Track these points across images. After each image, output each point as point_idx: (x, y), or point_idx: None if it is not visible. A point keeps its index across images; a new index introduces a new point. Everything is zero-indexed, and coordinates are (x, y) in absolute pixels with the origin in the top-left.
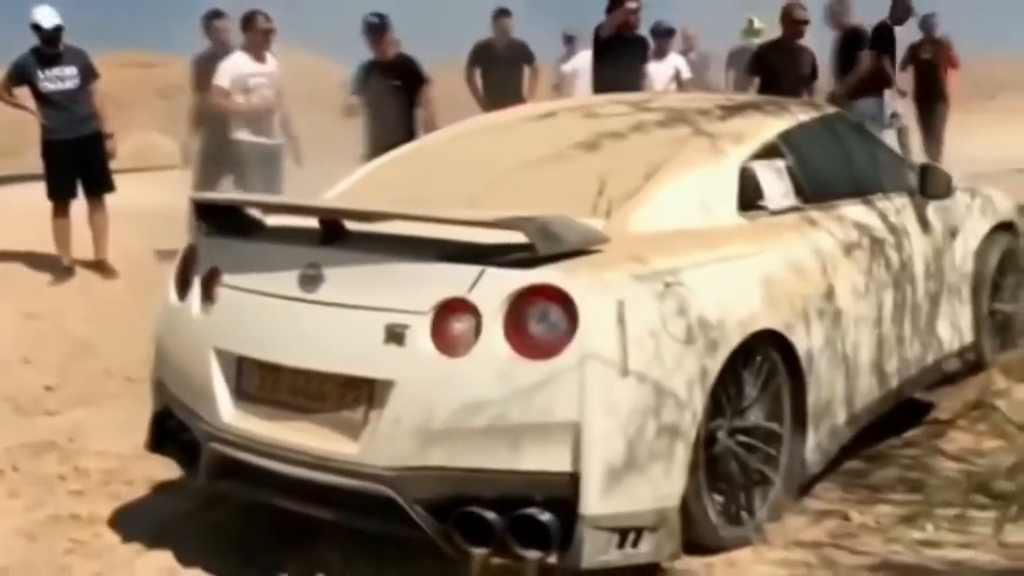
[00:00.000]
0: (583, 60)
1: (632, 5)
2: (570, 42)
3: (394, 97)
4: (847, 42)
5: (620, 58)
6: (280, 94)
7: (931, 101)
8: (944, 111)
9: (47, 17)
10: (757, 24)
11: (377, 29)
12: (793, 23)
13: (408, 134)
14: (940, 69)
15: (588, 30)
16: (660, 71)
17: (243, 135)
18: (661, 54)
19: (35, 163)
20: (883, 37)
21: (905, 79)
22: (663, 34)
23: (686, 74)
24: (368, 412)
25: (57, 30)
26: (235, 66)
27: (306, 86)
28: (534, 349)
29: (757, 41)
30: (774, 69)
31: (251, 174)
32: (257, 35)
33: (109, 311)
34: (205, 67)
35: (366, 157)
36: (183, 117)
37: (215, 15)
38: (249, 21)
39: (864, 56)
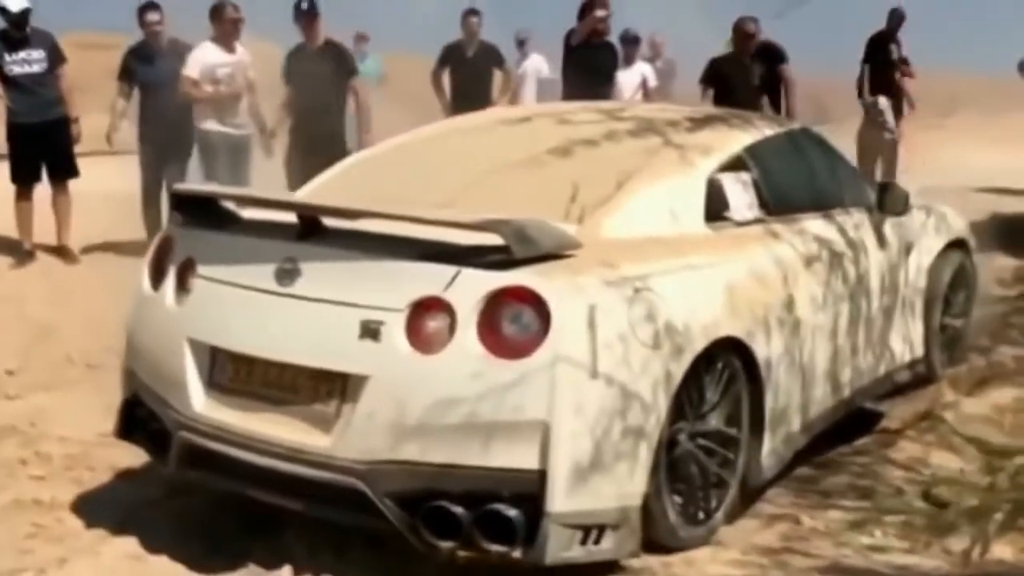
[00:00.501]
0: (533, 64)
1: (601, 13)
2: (522, 45)
3: (322, 86)
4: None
5: (589, 65)
6: (250, 84)
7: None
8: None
9: (14, 1)
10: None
11: (307, 14)
12: (744, 36)
13: (336, 125)
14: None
15: (539, 33)
16: (627, 79)
17: (210, 124)
18: (628, 61)
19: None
20: (878, 46)
21: None
22: (630, 42)
23: (652, 82)
24: (341, 406)
25: (24, 13)
26: (204, 55)
27: (274, 76)
28: (507, 349)
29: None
30: (728, 81)
31: (218, 163)
32: (226, 24)
33: (71, 296)
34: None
35: (291, 148)
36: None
37: (146, 7)
38: (217, 11)
39: None
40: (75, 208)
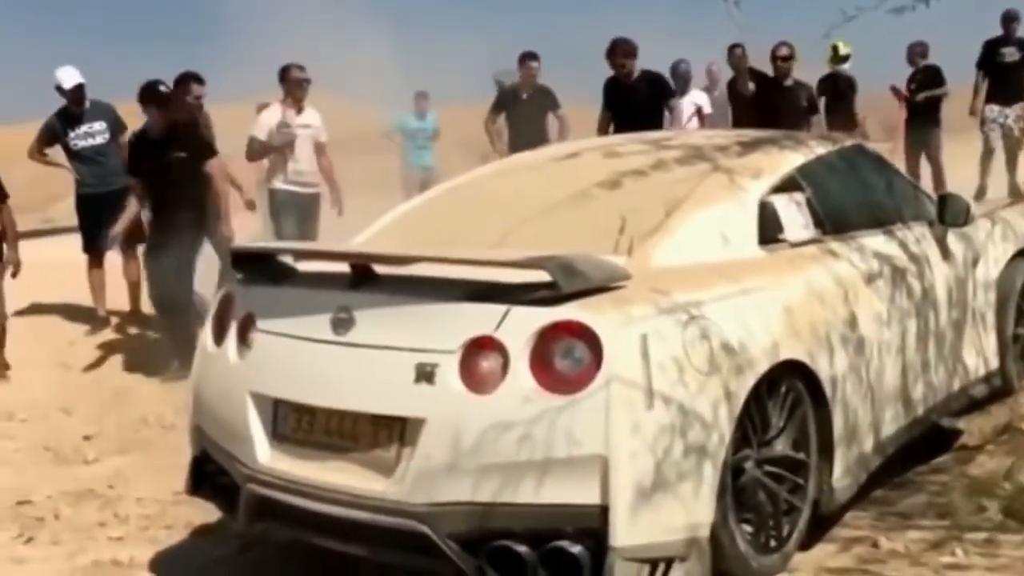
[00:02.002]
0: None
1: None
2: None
3: (175, 172)
4: None
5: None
6: (319, 144)
7: (926, 128)
8: (938, 137)
9: (68, 78)
10: (843, 50)
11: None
12: (774, 60)
13: (196, 218)
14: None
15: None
16: (684, 107)
17: (278, 183)
18: (682, 92)
19: (58, 218)
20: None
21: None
22: (681, 74)
23: (708, 110)
24: (400, 450)
25: (79, 88)
26: (271, 117)
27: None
28: (560, 384)
29: (846, 67)
30: (773, 106)
31: (288, 221)
32: (292, 85)
33: (144, 360)
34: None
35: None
36: None
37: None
38: (285, 72)
39: None
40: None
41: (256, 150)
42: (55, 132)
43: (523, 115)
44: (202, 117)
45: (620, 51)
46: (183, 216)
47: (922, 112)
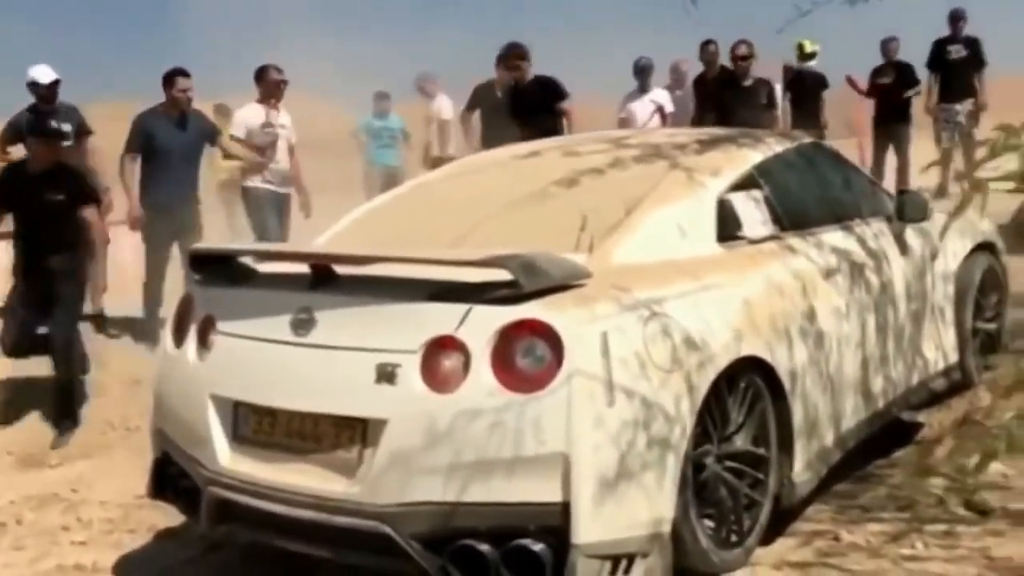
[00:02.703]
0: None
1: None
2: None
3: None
4: None
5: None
6: (291, 146)
7: (894, 124)
8: (908, 133)
9: (44, 74)
10: (809, 48)
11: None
12: (734, 59)
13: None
14: (901, 93)
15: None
16: (640, 107)
17: (255, 181)
18: (643, 90)
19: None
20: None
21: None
22: (642, 70)
23: (669, 108)
24: (363, 451)
25: (55, 84)
26: (249, 116)
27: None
28: (522, 383)
29: (813, 64)
30: (732, 104)
31: (266, 216)
32: (270, 86)
33: (107, 362)
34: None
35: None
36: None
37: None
38: (262, 73)
39: None
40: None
41: (231, 148)
42: (21, 130)
43: (498, 112)
44: (191, 111)
45: (514, 55)
46: (54, 261)
47: (893, 108)
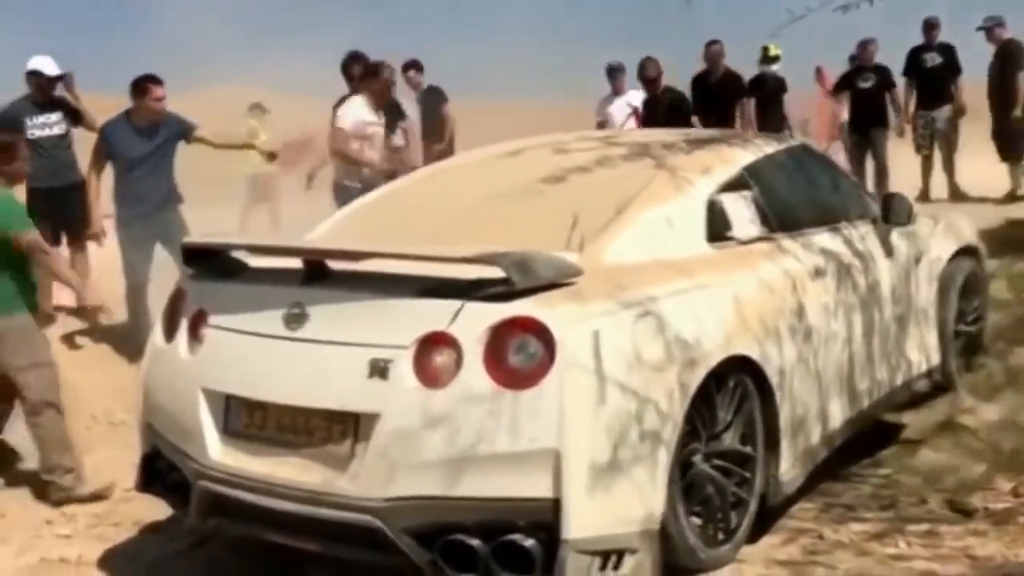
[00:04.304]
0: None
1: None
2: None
3: None
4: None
5: None
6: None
7: (873, 129)
8: (885, 137)
9: (50, 66)
10: (773, 51)
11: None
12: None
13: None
14: (880, 96)
15: None
16: (616, 108)
17: (352, 182)
18: (617, 91)
19: None
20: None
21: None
22: (615, 70)
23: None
24: (354, 445)
25: (58, 79)
26: (357, 111)
27: None
28: (514, 379)
29: (775, 68)
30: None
31: None
32: (381, 85)
33: (92, 356)
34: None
35: None
36: None
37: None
38: (376, 70)
39: None
40: (93, 269)
41: (338, 143)
42: (13, 118)
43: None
44: (165, 117)
45: (386, 68)
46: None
47: (872, 112)
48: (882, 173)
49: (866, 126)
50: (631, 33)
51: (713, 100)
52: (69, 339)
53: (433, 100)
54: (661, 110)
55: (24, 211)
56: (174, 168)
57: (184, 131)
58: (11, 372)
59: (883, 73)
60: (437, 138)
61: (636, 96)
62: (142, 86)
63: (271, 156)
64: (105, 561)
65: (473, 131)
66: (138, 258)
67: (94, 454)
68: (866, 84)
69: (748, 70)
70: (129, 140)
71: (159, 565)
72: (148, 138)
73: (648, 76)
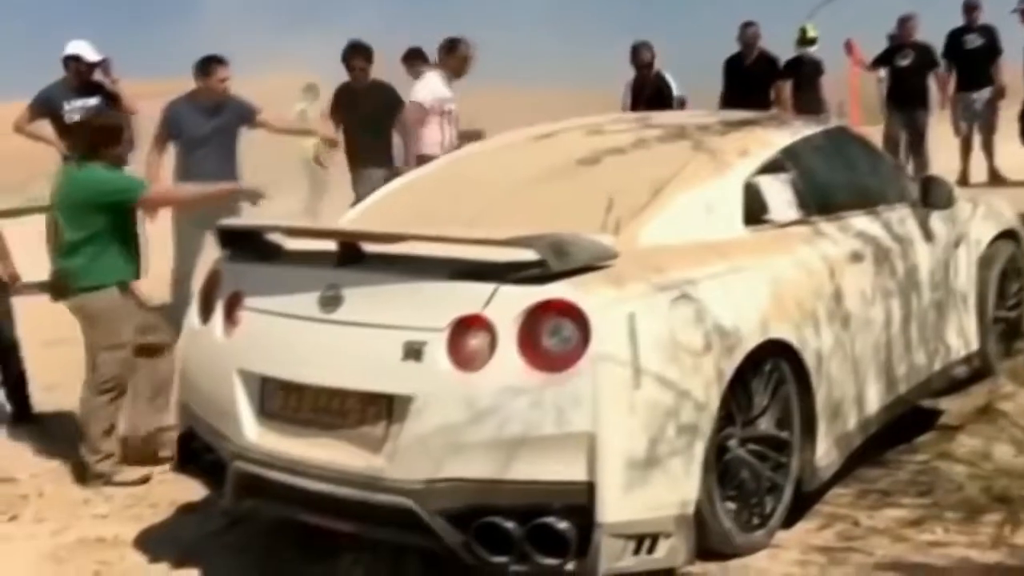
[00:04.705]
0: None
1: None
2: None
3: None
4: None
5: None
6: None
7: (912, 110)
8: (925, 120)
9: (89, 51)
10: (811, 33)
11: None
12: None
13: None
14: (919, 75)
15: None
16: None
17: (437, 151)
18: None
19: (40, 196)
20: None
21: None
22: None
23: (676, 92)
24: (389, 427)
25: (97, 64)
26: (436, 86)
27: None
28: (548, 362)
29: (813, 50)
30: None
31: None
32: (459, 61)
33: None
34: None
35: None
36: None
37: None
38: (454, 46)
39: None
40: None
41: (418, 116)
42: (51, 102)
43: (361, 112)
44: (228, 99)
45: (361, 55)
46: None
47: (912, 92)
48: (920, 155)
49: (904, 106)
50: (658, 17)
51: (747, 83)
52: None
53: None
54: (645, 95)
55: (130, 175)
56: (237, 152)
57: (247, 114)
58: (92, 349)
59: (923, 51)
60: None
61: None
62: (207, 66)
63: (331, 142)
64: (141, 541)
65: (501, 117)
66: (192, 239)
67: None
68: (905, 62)
69: (780, 53)
70: (192, 119)
71: (194, 545)
72: (211, 118)
73: (643, 61)
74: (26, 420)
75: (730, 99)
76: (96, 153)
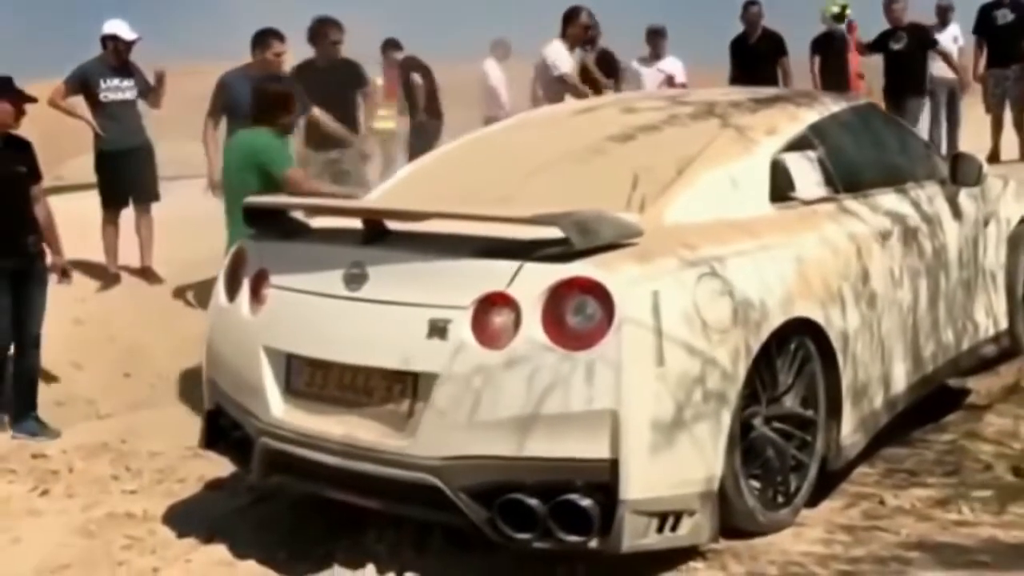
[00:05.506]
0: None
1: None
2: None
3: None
4: None
5: None
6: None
7: (906, 96)
8: (919, 106)
9: (128, 31)
10: (841, 8)
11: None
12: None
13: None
14: (915, 60)
15: None
16: (649, 73)
17: None
18: (656, 57)
19: (69, 175)
20: None
21: None
22: (655, 34)
23: (681, 78)
24: (413, 404)
25: (133, 43)
26: (564, 56)
27: None
28: (572, 340)
29: (842, 26)
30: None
31: None
32: (579, 29)
33: (156, 316)
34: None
35: None
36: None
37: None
38: (574, 15)
39: None
40: (156, 231)
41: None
42: (87, 79)
43: (324, 88)
44: (284, 76)
45: (335, 26)
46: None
47: (906, 77)
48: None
49: (898, 92)
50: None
51: (754, 62)
52: (131, 298)
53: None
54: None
55: (289, 152)
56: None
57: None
58: None
59: (918, 32)
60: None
61: (674, 64)
62: (264, 39)
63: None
64: (169, 516)
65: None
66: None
67: (159, 411)
68: (898, 45)
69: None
70: (245, 91)
71: (221, 521)
72: None
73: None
74: (26, 419)
75: (738, 79)
76: (265, 118)
